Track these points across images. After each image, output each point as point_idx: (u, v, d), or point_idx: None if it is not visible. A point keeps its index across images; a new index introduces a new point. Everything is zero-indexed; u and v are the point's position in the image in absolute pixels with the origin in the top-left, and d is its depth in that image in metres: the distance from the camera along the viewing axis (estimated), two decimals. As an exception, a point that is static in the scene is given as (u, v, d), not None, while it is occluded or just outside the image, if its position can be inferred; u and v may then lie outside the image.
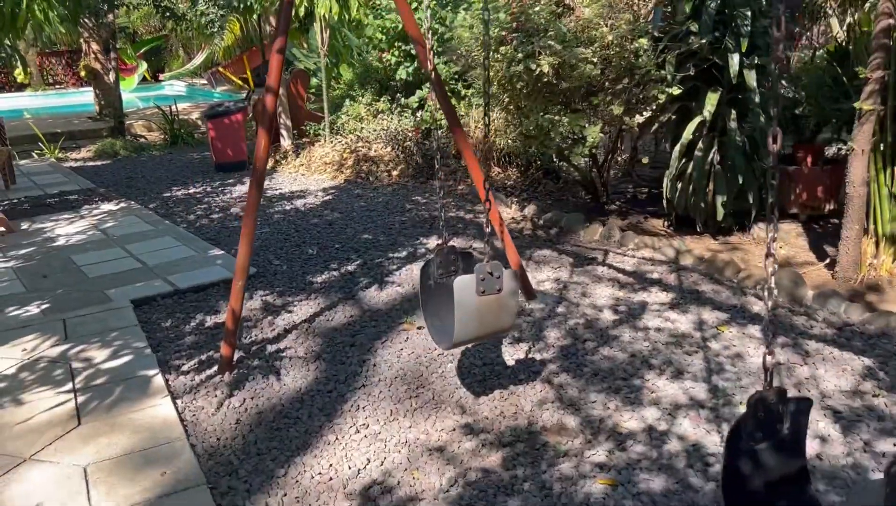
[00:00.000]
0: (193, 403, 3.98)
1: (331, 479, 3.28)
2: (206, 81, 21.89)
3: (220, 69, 21.02)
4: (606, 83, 6.26)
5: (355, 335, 4.77)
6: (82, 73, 14.75)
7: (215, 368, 4.34)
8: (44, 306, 5.38)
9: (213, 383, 4.19)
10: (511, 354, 4.40)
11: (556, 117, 6.26)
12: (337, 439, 3.60)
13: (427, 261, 3.79)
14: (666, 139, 6.95)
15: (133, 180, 10.32)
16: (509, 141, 8.03)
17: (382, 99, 10.71)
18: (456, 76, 9.44)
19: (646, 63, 5.93)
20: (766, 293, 2.24)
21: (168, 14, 13.31)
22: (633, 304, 5.06)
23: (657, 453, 3.34)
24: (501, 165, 9.01)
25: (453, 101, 9.51)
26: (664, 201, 6.61)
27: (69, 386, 4.13)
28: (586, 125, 6.40)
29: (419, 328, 4.80)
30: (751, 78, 5.72)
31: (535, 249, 6.35)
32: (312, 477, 3.30)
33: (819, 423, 3.52)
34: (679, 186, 6.38)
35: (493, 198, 3.82)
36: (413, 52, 9.99)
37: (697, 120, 6.02)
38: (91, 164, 11.93)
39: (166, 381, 4.20)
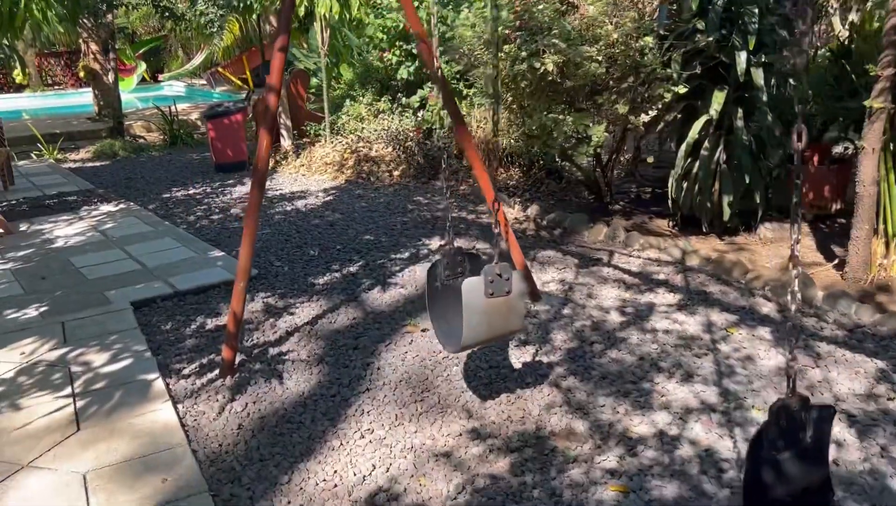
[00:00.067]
0: (195, 407, 3.91)
1: (336, 486, 3.21)
2: (205, 82, 21.82)
3: (220, 69, 20.96)
4: (611, 82, 6.19)
5: (358, 338, 4.69)
6: (81, 74, 14.69)
7: (216, 371, 4.27)
8: (42, 309, 5.30)
9: (215, 387, 4.11)
10: (517, 356, 4.32)
11: (560, 116, 6.19)
12: (341, 444, 3.53)
13: (433, 263, 3.72)
14: (671, 138, 6.87)
15: (132, 181, 10.25)
16: (511, 141, 7.97)
17: (383, 99, 10.64)
18: (457, 76, 9.36)
19: (651, 61, 5.86)
20: (789, 298, 2.15)
21: (167, 14, 13.25)
22: (640, 305, 4.99)
23: (669, 459, 3.26)
24: (504, 165, 8.94)
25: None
26: (669, 201, 6.54)
27: (68, 390, 4.06)
28: (590, 124, 6.34)
29: (423, 331, 4.73)
30: (758, 76, 5.65)
31: (538, 250, 6.28)
32: (317, 484, 3.22)
33: (834, 427, 3.44)
34: (684, 185, 6.31)
35: (501, 204, 3.73)
36: (414, 51, 9.93)
37: (704, 119, 5.95)
38: (90, 164, 11.86)
39: (167, 385, 4.13)
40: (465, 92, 9.50)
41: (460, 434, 3.58)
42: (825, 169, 6.54)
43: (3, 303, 5.44)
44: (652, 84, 6.02)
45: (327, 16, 9.69)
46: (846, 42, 7.00)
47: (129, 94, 19.45)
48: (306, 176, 10.06)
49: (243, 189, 9.38)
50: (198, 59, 22.99)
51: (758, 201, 6.20)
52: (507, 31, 6.14)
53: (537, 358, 4.29)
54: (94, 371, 4.28)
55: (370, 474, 3.28)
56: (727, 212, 6.12)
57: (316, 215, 7.85)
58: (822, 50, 8.11)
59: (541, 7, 6.03)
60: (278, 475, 3.29)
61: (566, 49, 5.79)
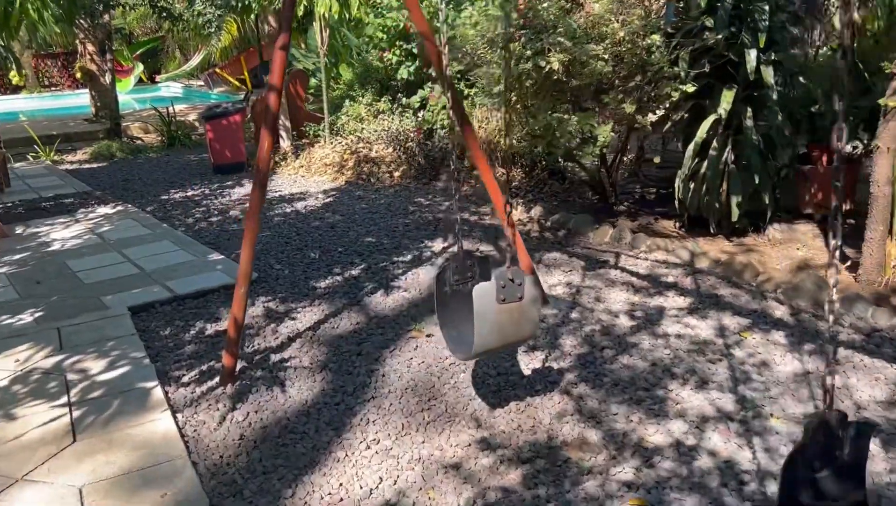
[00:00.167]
0: (194, 417, 3.79)
1: (341, 500, 3.09)
2: (202, 83, 21.68)
3: (217, 70, 20.83)
4: (616, 81, 6.07)
5: (362, 343, 4.58)
6: (78, 75, 14.54)
7: (217, 379, 4.15)
8: (38, 314, 5.18)
9: (215, 395, 4.00)
10: (526, 362, 4.21)
11: (566, 116, 6.07)
12: (347, 455, 3.41)
13: (442, 267, 3.60)
14: (677, 138, 6.76)
15: (130, 183, 10.12)
16: (514, 141, 7.84)
17: (383, 99, 10.52)
18: (458, 75, 9.24)
19: (659, 60, 5.74)
20: (826, 308, 2.03)
21: (164, 14, 13.13)
22: (650, 309, 4.87)
23: (687, 471, 3.15)
24: (505, 165, 8.82)
25: (456, 100, 9.32)
26: (676, 202, 6.42)
27: (64, 399, 3.94)
28: (595, 124, 6.22)
29: (428, 336, 4.61)
30: (768, 74, 5.54)
31: (544, 252, 6.16)
32: (322, 498, 3.11)
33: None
34: (692, 186, 6.20)
35: (511, 207, 3.61)
36: (414, 51, 9.81)
37: (712, 118, 5.84)
38: (87, 166, 11.73)
39: (166, 393, 4.01)
40: (466, 92, 9.38)
41: (469, 444, 3.46)
42: (834, 169, 6.42)
43: (-3, 308, 5.32)
44: (659, 83, 5.90)
45: (326, 15, 9.57)
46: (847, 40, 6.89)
47: (127, 95, 19.31)
48: (306, 177, 9.94)
49: (242, 191, 9.26)
50: (195, 60, 22.86)
51: (767, 202, 6.09)
52: (511, 30, 6.02)
53: (547, 364, 4.18)
54: (90, 379, 4.16)
55: (377, 487, 3.17)
56: (736, 213, 6.01)
57: (316, 217, 7.73)
58: (824, 49, 8.02)
59: (545, 5, 5.91)
60: (282, 489, 3.18)
61: (572, 47, 5.67)
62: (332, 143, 10.45)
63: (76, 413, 3.79)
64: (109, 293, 5.52)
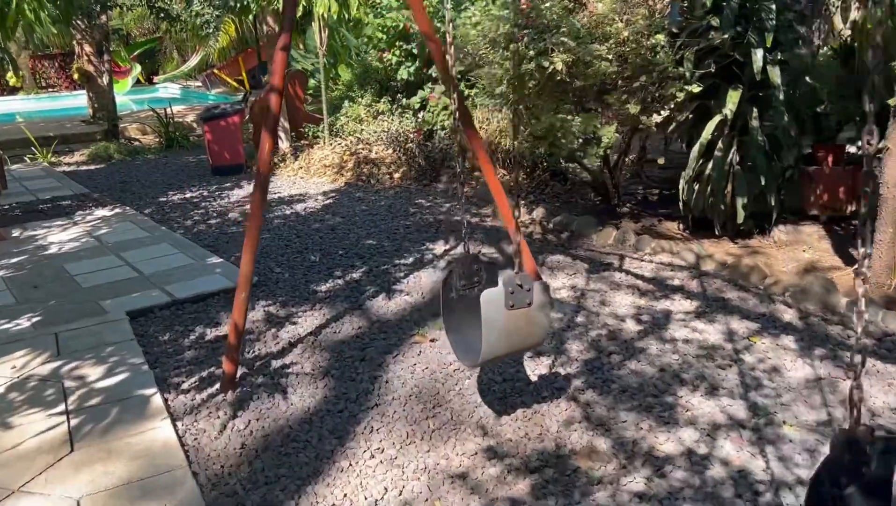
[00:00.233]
0: (195, 425, 3.71)
1: (346, 511, 3.02)
2: (200, 84, 21.59)
3: (215, 71, 20.74)
4: (620, 81, 6.00)
5: (365, 349, 4.50)
6: (75, 76, 14.45)
7: (217, 385, 4.07)
8: (35, 319, 5.10)
9: (216, 402, 3.92)
10: (532, 368, 4.13)
11: (569, 117, 6.00)
12: (350, 465, 3.34)
13: (448, 272, 3.52)
14: (682, 139, 6.69)
15: (128, 185, 10.04)
16: (516, 143, 7.77)
17: (383, 100, 10.45)
18: (458, 76, 9.17)
19: (663, 60, 5.67)
20: (855, 318, 1.96)
21: (162, 15, 13.04)
22: (657, 313, 4.80)
23: (700, 481, 3.08)
24: (506, 167, 8.75)
25: (456, 101, 9.24)
26: (680, 204, 6.35)
27: (61, 407, 3.86)
28: (598, 125, 6.15)
29: (432, 341, 4.54)
30: (775, 75, 5.47)
31: (547, 255, 6.09)
32: (326, 509, 3.03)
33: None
34: (696, 187, 6.13)
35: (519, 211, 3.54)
36: (414, 51, 9.74)
37: (717, 119, 5.77)
38: (84, 168, 11.65)
39: (165, 400, 3.93)
40: (466, 93, 9.31)
41: (475, 453, 3.39)
42: (840, 170, 6.36)
43: (-7, 313, 5.24)
44: (664, 83, 5.83)
45: (326, 16, 9.50)
46: (848, 41, 6.84)
47: (124, 96, 19.22)
48: (305, 179, 9.87)
49: (241, 192, 9.19)
50: (193, 61, 22.77)
51: (773, 204, 6.02)
52: (514, 30, 5.95)
53: (553, 370, 4.10)
54: (88, 386, 4.08)
55: (382, 497, 3.09)
56: (741, 214, 5.94)
57: (316, 219, 7.65)
58: (824, 49, 7.96)
59: (548, 4, 5.84)
60: (284, 500, 3.10)
61: (575, 48, 5.60)
62: (331, 144, 10.38)
63: (74, 421, 3.71)
64: (108, 298, 5.44)
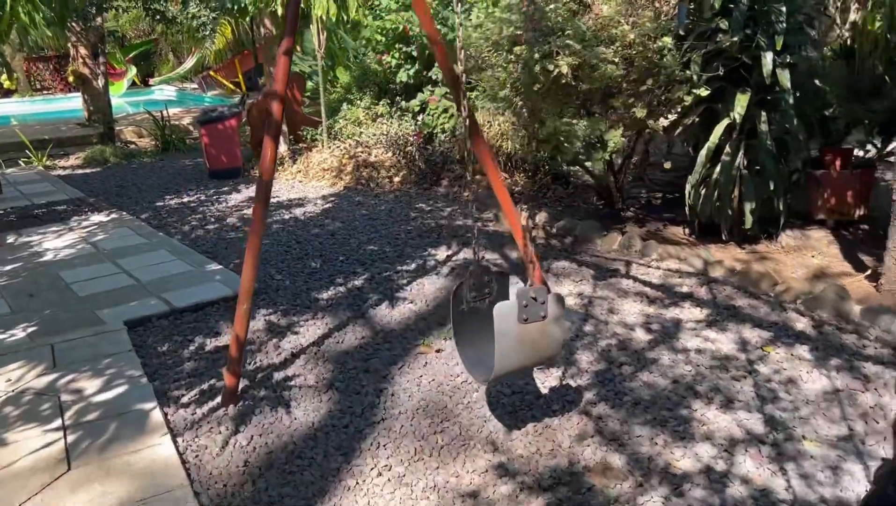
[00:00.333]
0: (196, 441, 3.60)
1: (354, 533, 2.91)
2: (196, 86, 21.47)
3: (212, 73, 20.62)
4: (625, 84, 5.90)
5: (369, 360, 4.39)
6: (70, 79, 14.32)
7: (218, 399, 3.96)
8: (30, 330, 4.98)
9: (217, 417, 3.81)
10: (542, 380, 4.03)
11: (574, 121, 5.90)
12: (357, 483, 3.23)
13: (459, 283, 3.41)
14: (688, 143, 6.60)
15: (124, 189, 9.92)
16: (517, 145, 7.68)
17: (381, 102, 10.34)
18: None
19: (670, 63, 5.57)
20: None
21: (158, 17, 12.90)
22: (666, 321, 4.70)
23: (720, 500, 2.98)
24: (508, 170, 8.65)
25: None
26: (686, 208, 6.25)
27: (58, 423, 3.75)
28: (603, 129, 6.05)
29: (438, 351, 4.44)
30: (784, 78, 5.38)
31: (552, 260, 5.99)
32: (333, 531, 2.93)
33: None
34: (702, 192, 6.04)
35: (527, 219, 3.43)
36: (414, 53, 9.64)
37: (725, 123, 5.68)
38: (80, 172, 11.52)
39: (165, 415, 3.82)
40: (467, 95, 9.20)
41: (486, 470, 3.29)
42: (848, 173, 6.27)
43: (-12, 323, 5.13)
44: (671, 87, 5.73)
45: (324, 18, 9.39)
46: (848, 43, 6.76)
47: (120, 98, 19.09)
48: (304, 183, 9.75)
49: (239, 197, 9.08)
50: (189, 63, 22.64)
51: (781, 208, 5.94)
52: (518, 33, 5.86)
53: (563, 382, 4.00)
54: (86, 400, 3.97)
55: (391, 518, 2.99)
56: (749, 219, 5.85)
57: (316, 224, 7.54)
58: (825, 50, 7.88)
59: (552, 6, 5.74)
60: (290, 522, 3.00)
61: (581, 50, 5.50)
62: (329, 147, 10.26)
63: (71, 438, 3.60)
64: (105, 307, 5.32)
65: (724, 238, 6.13)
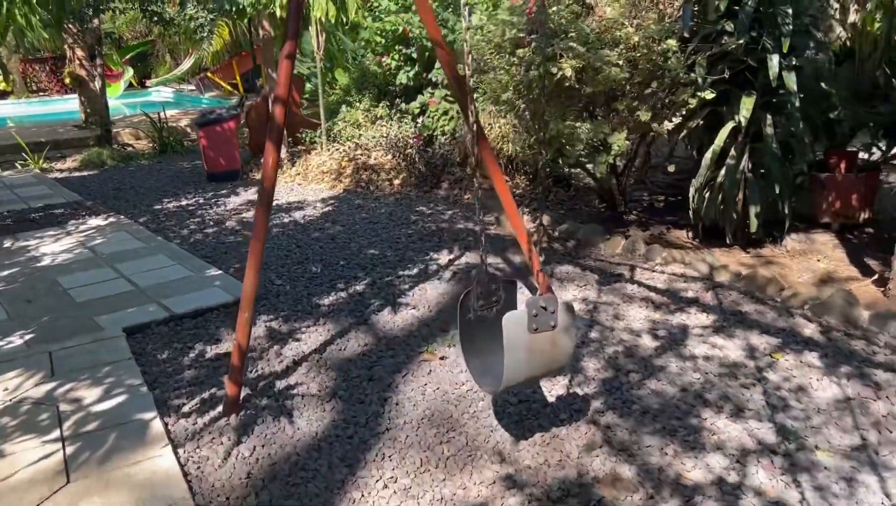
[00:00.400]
0: (197, 452, 3.53)
1: (361, 548, 2.85)
2: (194, 87, 21.38)
3: (209, 74, 20.54)
4: (629, 87, 5.84)
5: (372, 368, 4.33)
6: (67, 81, 14.24)
7: (219, 408, 3.89)
8: (28, 337, 4.91)
9: (219, 426, 3.74)
10: (549, 389, 3.97)
11: (578, 124, 5.84)
12: (363, 495, 3.17)
13: (465, 292, 3.35)
14: (692, 146, 6.54)
15: (121, 192, 9.84)
16: (518, 148, 7.61)
17: (381, 104, 10.28)
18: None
19: (675, 65, 5.51)
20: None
21: (156, 19, 12.83)
22: (673, 327, 4.64)
23: (734, 513, 2.92)
24: (508, 173, 8.59)
25: (456, 108, 9.09)
26: (690, 212, 6.20)
27: (56, 433, 3.68)
28: (607, 132, 5.99)
29: (442, 358, 4.37)
30: (790, 80, 5.32)
31: (555, 265, 5.93)
32: (339, 546, 2.87)
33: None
34: (707, 195, 5.98)
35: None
36: (414, 55, 9.58)
37: (730, 126, 5.63)
38: (77, 174, 11.45)
39: (165, 425, 3.76)
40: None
41: (494, 482, 3.23)
42: (853, 177, 6.22)
43: (-15, 330, 5.05)
44: (675, 89, 5.68)
45: (323, 19, 9.33)
46: (847, 44, 6.72)
47: (116, 100, 19.01)
48: (302, 185, 9.68)
49: (237, 200, 9.01)
50: (186, 64, 22.55)
51: (786, 212, 5.88)
52: (520, 35, 5.80)
53: (571, 390, 3.94)
54: (85, 410, 3.90)
55: (398, 532, 2.93)
56: (754, 223, 5.80)
57: (316, 228, 7.48)
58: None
59: (554, 8, 5.68)
60: (295, 536, 2.93)
61: (585, 53, 5.44)
62: (328, 149, 10.20)
63: (70, 449, 3.53)
64: (103, 313, 5.25)
65: (728, 242, 6.08)
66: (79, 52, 13.27)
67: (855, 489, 3.02)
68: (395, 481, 3.25)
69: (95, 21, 13.12)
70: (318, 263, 6.30)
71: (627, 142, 5.93)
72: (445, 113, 9.17)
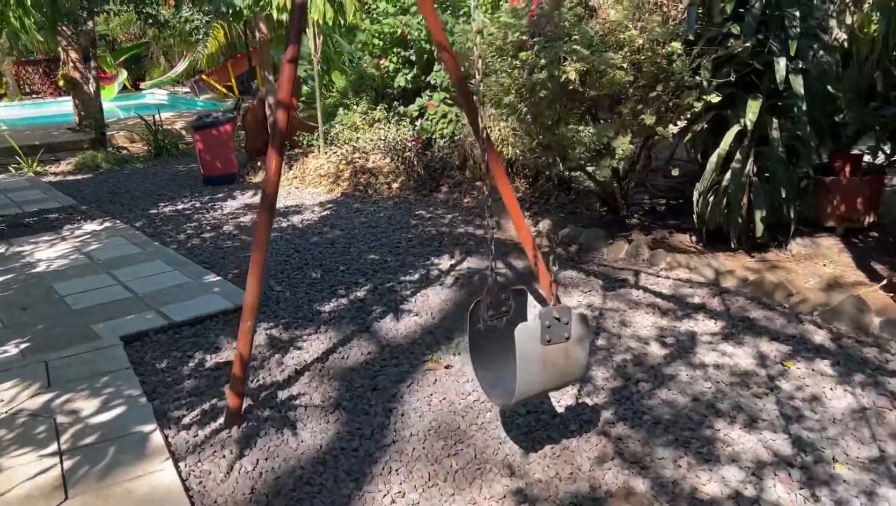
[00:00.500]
0: (199, 466, 3.45)
1: (370, 567, 2.76)
2: (188, 89, 21.27)
3: (204, 77, 20.44)
4: (632, 90, 5.77)
5: (376, 377, 4.24)
6: (61, 83, 14.12)
7: (221, 420, 3.80)
8: (23, 346, 4.81)
9: (220, 439, 3.65)
10: (557, 399, 3.89)
11: (581, 127, 5.77)
12: (370, 511, 3.09)
13: (475, 302, 3.27)
14: (696, 150, 6.47)
15: (116, 196, 9.74)
16: (518, 151, 7.53)
17: (379, 107, 10.20)
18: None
19: (680, 68, 5.44)
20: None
21: (151, 21, 12.73)
22: (681, 334, 4.57)
23: (754, 529, 2.85)
24: (509, 176, 8.51)
25: (454, 111, 9.02)
26: (693, 216, 6.12)
27: (53, 447, 3.58)
28: (612, 136, 5.92)
29: (447, 367, 4.29)
30: (797, 84, 5.26)
31: (558, 270, 5.85)
32: (347, 565, 2.78)
33: (930, 484, 3.05)
34: (711, 199, 5.91)
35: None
36: (412, 58, 9.50)
37: (735, 129, 5.56)
38: (71, 178, 11.34)
39: (165, 437, 3.67)
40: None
41: (504, 496, 3.14)
42: (858, 180, 6.16)
43: (-21, 339, 4.95)
44: (680, 93, 5.61)
45: (321, 22, 9.24)
46: (844, 46, 6.67)
47: (111, 102, 18.90)
48: (300, 189, 9.60)
49: (234, 204, 8.92)
50: (181, 67, 22.45)
51: (791, 216, 5.82)
52: (523, 38, 5.72)
53: (580, 400, 3.86)
54: (83, 422, 3.81)
55: (408, 550, 2.84)
56: (759, 227, 5.73)
57: (314, 232, 7.39)
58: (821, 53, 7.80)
59: (558, 11, 5.61)
60: (302, 555, 2.85)
61: (589, 56, 5.37)
62: (326, 152, 10.12)
63: (67, 463, 3.44)
64: (100, 321, 5.16)
65: (732, 246, 6.01)
66: (73, 55, 13.15)
67: (876, 504, 2.95)
68: (403, 496, 3.17)
69: (89, 23, 13.00)
70: (317, 269, 6.21)
71: (632, 146, 5.85)
72: (444, 116, 9.09)
